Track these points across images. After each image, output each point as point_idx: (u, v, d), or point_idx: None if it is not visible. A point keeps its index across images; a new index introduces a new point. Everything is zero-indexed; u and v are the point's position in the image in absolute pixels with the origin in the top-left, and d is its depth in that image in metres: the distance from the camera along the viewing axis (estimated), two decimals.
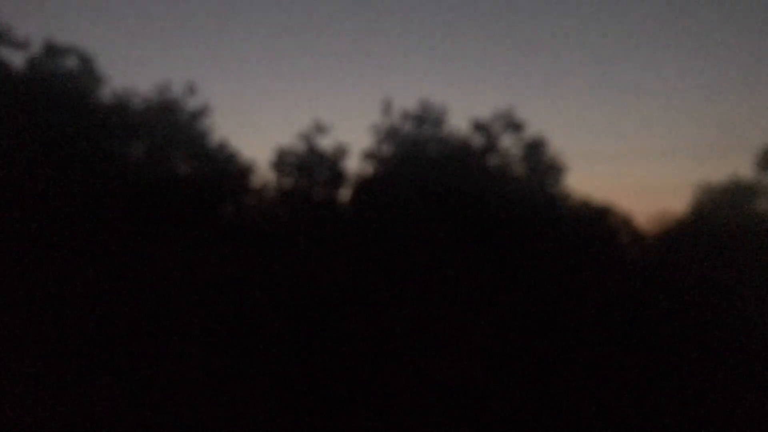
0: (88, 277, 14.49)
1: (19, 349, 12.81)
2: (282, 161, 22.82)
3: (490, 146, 23.82)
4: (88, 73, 18.39)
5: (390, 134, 24.00)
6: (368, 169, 23.66)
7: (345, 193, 22.92)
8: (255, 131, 53.92)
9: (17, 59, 17.24)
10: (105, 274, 14.94)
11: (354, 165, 24.05)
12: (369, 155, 23.83)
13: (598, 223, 22.82)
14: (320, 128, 23.22)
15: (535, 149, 23.40)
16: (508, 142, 23.97)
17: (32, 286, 13.85)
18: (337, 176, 22.83)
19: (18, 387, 12.40)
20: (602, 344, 16.93)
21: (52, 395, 12.55)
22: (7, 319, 13.23)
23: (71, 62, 18.44)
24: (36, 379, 12.77)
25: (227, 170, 21.41)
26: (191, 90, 22.04)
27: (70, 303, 13.97)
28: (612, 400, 15.79)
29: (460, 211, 20.58)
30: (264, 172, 23.00)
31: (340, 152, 23.21)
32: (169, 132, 21.27)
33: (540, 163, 23.24)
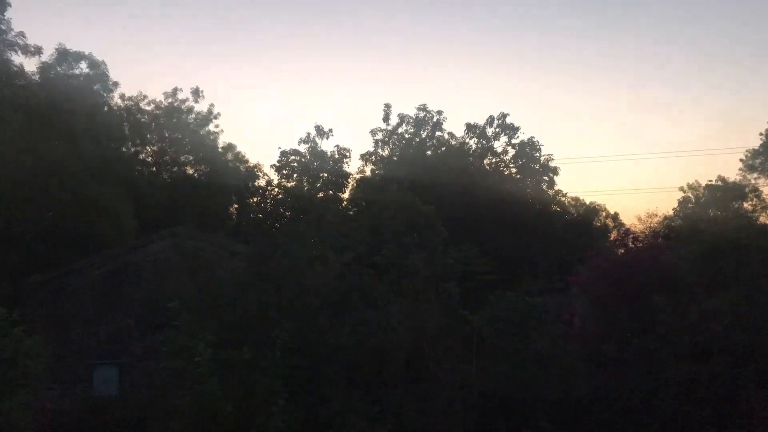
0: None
1: None
2: (285, 163, 23.46)
3: (485, 149, 24.44)
4: (99, 79, 18.84)
5: (389, 137, 24.66)
6: (368, 170, 24.31)
7: (345, 194, 23.53)
8: (260, 135, 54.80)
9: (31, 65, 17.52)
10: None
11: (354, 167, 24.66)
12: (369, 158, 24.50)
13: (589, 222, 23.50)
14: (322, 132, 23.90)
15: (528, 151, 24.01)
16: (502, 145, 24.62)
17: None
18: (337, 178, 23.42)
19: None
20: (592, 339, 17.40)
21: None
22: None
23: (83, 68, 18.86)
24: None
25: (233, 172, 22.04)
26: (198, 96, 22.71)
27: None
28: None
29: (456, 210, 21.17)
30: (268, 174, 23.68)
31: (341, 155, 23.87)
32: (176, 136, 21.91)
33: (533, 165, 23.85)
